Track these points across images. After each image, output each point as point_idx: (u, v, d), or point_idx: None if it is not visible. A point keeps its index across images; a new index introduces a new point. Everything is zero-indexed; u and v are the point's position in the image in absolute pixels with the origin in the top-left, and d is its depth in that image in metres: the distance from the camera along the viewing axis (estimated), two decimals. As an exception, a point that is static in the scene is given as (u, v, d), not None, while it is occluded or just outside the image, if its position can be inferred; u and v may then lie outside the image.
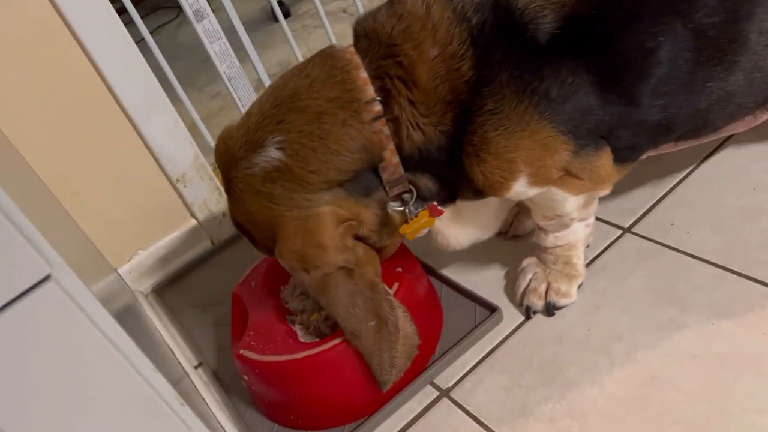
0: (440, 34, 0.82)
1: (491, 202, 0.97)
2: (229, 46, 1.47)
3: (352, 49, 0.86)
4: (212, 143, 1.49)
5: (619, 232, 1.10)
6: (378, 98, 0.83)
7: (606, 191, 0.94)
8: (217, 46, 1.46)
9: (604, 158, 0.89)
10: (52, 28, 1.15)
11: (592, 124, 0.85)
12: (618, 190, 1.17)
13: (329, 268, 0.86)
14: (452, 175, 0.90)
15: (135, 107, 1.27)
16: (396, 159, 0.86)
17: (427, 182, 0.91)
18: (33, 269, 0.49)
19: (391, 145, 0.85)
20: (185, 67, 2.54)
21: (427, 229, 0.97)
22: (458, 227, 1.00)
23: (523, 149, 0.84)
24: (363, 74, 0.83)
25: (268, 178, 0.84)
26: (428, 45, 0.82)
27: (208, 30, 1.44)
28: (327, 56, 0.87)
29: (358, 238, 0.90)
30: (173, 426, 0.61)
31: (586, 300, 1.01)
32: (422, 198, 0.92)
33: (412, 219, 0.93)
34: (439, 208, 0.95)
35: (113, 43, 1.22)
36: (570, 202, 0.93)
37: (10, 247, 0.47)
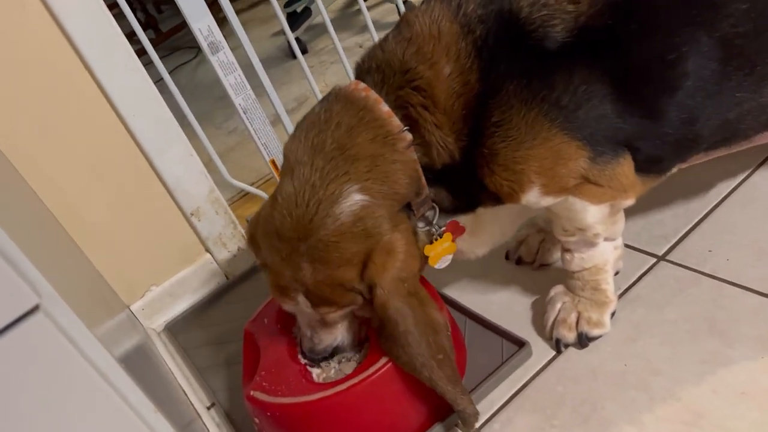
0: (452, 50, 0.81)
1: (511, 207, 0.93)
2: (244, 78, 1.46)
3: (363, 85, 0.86)
4: (228, 177, 1.47)
5: (653, 260, 1.04)
6: (405, 128, 0.83)
7: (629, 201, 0.89)
8: (232, 78, 1.44)
9: (625, 166, 0.84)
10: (70, 65, 1.14)
11: (609, 131, 0.81)
12: (650, 217, 1.11)
13: (413, 284, 0.85)
14: (472, 186, 0.88)
15: (149, 140, 1.25)
16: (423, 180, 0.86)
17: (448, 196, 0.90)
18: (19, 299, 0.45)
19: (419, 168, 0.85)
20: (203, 104, 2.55)
21: (449, 258, 0.93)
22: (479, 234, 0.97)
23: (533, 159, 0.81)
24: (385, 107, 0.84)
25: (357, 218, 0.82)
26: (443, 63, 0.81)
27: (223, 62, 1.42)
28: (344, 100, 0.86)
29: None
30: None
31: (620, 332, 0.95)
32: (445, 211, 0.91)
33: (436, 239, 0.90)
34: (461, 225, 0.93)
35: (127, 78, 1.20)
36: (590, 213, 0.87)
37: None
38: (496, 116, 0.80)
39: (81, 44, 1.15)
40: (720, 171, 1.06)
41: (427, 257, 0.91)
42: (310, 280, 0.85)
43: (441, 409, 0.93)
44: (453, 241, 0.92)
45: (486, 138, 0.81)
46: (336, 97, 0.87)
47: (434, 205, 0.89)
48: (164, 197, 1.31)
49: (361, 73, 0.88)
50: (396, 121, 0.83)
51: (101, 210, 1.25)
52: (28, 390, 0.46)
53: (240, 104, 1.47)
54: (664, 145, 0.85)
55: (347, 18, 2.77)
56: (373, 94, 0.84)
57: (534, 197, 0.84)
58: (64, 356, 0.47)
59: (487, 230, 0.97)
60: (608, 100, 0.79)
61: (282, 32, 2.82)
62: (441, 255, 0.92)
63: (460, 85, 0.81)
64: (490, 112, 0.80)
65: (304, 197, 0.83)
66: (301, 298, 0.87)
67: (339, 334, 0.96)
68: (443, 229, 0.91)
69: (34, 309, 0.46)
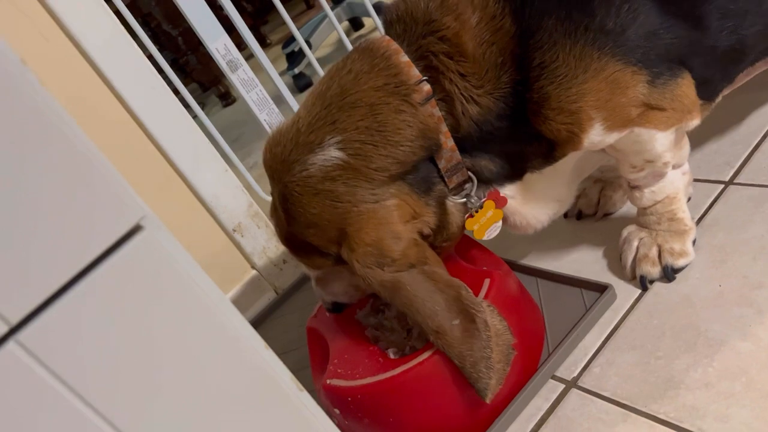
0: None
1: (562, 170, 0.90)
2: (266, 94, 1.46)
3: (387, 37, 0.83)
4: (263, 194, 1.45)
5: (721, 186, 1.00)
6: (425, 78, 0.79)
7: (696, 121, 0.85)
8: (254, 94, 1.44)
9: (685, 84, 0.81)
10: (107, 101, 1.16)
11: (662, 48, 0.78)
12: (706, 149, 1.08)
13: (403, 264, 0.78)
14: (517, 147, 0.84)
15: (183, 159, 1.24)
16: (451, 143, 0.81)
17: (488, 163, 0.85)
18: (127, 216, 0.42)
19: (445, 128, 0.80)
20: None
21: (499, 225, 0.89)
22: (534, 203, 0.92)
23: (588, 94, 0.77)
24: (404, 57, 0.79)
25: (327, 177, 0.79)
26: (468, 13, 0.78)
27: (243, 80, 1.42)
28: (364, 49, 0.83)
29: (422, 237, 0.83)
30: (292, 411, 0.51)
31: (705, 257, 0.90)
32: (485, 182, 0.86)
33: (476, 212, 0.85)
34: (502, 195, 0.88)
35: (156, 100, 1.20)
36: (659, 141, 0.84)
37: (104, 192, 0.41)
38: (537, 58, 0.76)
39: (115, 80, 1.15)
40: (765, 96, 1.03)
41: (456, 232, 0.87)
42: (284, 228, 0.84)
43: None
44: (497, 208, 0.87)
45: (532, 81, 0.77)
46: (358, 48, 0.84)
47: (471, 175, 0.84)
48: (205, 216, 1.29)
49: (386, 26, 0.85)
50: (414, 72, 0.78)
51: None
52: (141, 314, 0.43)
53: (265, 119, 1.46)
54: (713, 60, 0.82)
55: (344, 50, 2.80)
56: (394, 44, 0.80)
57: (597, 135, 0.80)
58: (172, 274, 0.44)
59: (540, 199, 0.92)
60: (654, 13, 0.76)
61: (286, 71, 2.85)
62: (486, 226, 0.87)
63: (491, 33, 0.77)
64: (531, 54, 0.77)
65: (288, 136, 0.81)
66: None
67: (336, 290, 0.93)
68: (483, 200, 0.86)
69: (138, 227, 0.43)
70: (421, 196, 0.82)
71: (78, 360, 0.41)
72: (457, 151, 0.81)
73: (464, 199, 0.85)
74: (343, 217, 0.79)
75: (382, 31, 0.87)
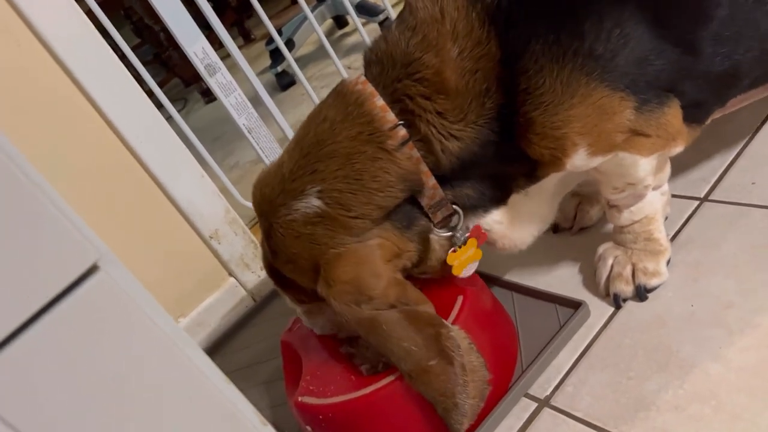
0: (461, 25, 0.77)
1: (546, 188, 0.90)
2: (245, 98, 1.44)
3: (363, 78, 0.82)
4: (242, 200, 1.44)
5: (696, 202, 1.01)
6: (400, 122, 0.78)
7: (679, 148, 0.85)
8: (233, 98, 1.42)
9: (671, 113, 0.80)
10: (79, 105, 1.14)
11: (651, 75, 0.77)
12: (682, 164, 1.08)
13: (383, 303, 0.78)
14: (501, 168, 0.83)
15: (158, 164, 1.22)
16: (432, 181, 0.80)
17: (471, 192, 0.84)
18: (81, 257, 0.41)
19: (425, 168, 0.80)
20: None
21: (475, 265, 0.89)
22: (519, 225, 0.92)
23: (574, 120, 0.76)
24: (379, 102, 0.79)
25: (309, 222, 0.80)
26: (449, 46, 0.77)
27: (221, 83, 1.40)
28: (338, 94, 0.83)
29: (403, 272, 0.85)
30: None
31: (679, 275, 0.90)
32: (471, 208, 0.86)
33: (460, 246, 0.86)
34: (485, 229, 0.88)
35: (128, 102, 1.18)
36: (641, 166, 0.84)
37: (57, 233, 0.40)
38: (523, 83, 0.75)
39: (84, 79, 1.13)
40: (742, 112, 1.02)
41: (438, 266, 0.88)
42: (268, 260, 0.87)
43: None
44: (478, 247, 0.87)
45: (518, 107, 0.77)
46: (333, 92, 0.84)
47: (455, 208, 0.83)
48: (180, 223, 1.27)
49: (365, 66, 0.85)
50: (389, 116, 0.78)
51: (117, 246, 1.21)
52: (101, 352, 0.42)
53: (244, 124, 1.45)
54: (706, 84, 0.81)
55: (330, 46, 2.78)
56: (369, 88, 0.79)
57: (581, 160, 0.79)
58: (129, 314, 0.43)
59: (526, 220, 0.92)
60: (645, 39, 0.75)
61: (267, 69, 2.83)
62: (465, 264, 0.87)
63: (473, 61, 0.76)
64: (517, 79, 0.76)
65: (276, 180, 0.83)
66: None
67: (321, 324, 0.95)
68: (467, 235, 0.86)
69: (94, 268, 0.42)
70: (404, 232, 0.82)
71: (28, 405, 0.40)
72: (440, 189, 0.81)
73: (450, 233, 0.85)
74: (322, 256, 0.80)
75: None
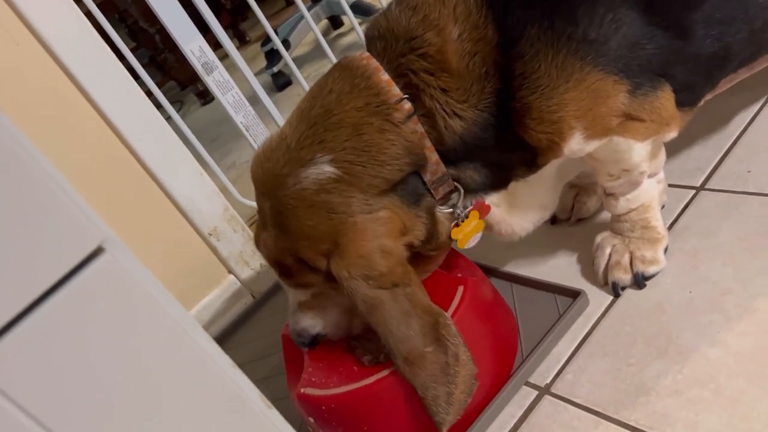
0: (459, 9, 0.78)
1: (545, 177, 0.90)
2: (242, 96, 1.44)
3: (367, 53, 0.82)
4: (240, 197, 1.44)
5: (692, 192, 1.01)
6: (405, 96, 0.79)
7: (673, 133, 0.86)
8: (230, 96, 1.43)
9: (664, 97, 0.81)
10: (78, 104, 1.14)
11: (643, 59, 0.78)
12: (678, 153, 1.09)
13: (387, 280, 0.78)
14: (502, 156, 0.84)
15: (157, 163, 1.22)
16: (435, 156, 0.81)
17: (473, 173, 0.85)
18: (86, 239, 0.41)
19: (428, 143, 0.80)
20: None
21: (479, 236, 0.90)
22: (518, 212, 0.93)
23: (569, 104, 0.77)
24: (384, 76, 0.79)
25: (323, 189, 0.78)
26: (451, 26, 0.78)
27: (219, 82, 1.41)
28: (344, 68, 0.83)
29: (410, 248, 0.84)
30: (261, 429, 0.51)
31: (677, 263, 0.91)
32: (471, 191, 0.86)
33: (462, 221, 0.86)
34: (486, 203, 0.88)
35: (127, 101, 1.19)
36: (636, 151, 0.84)
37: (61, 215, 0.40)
38: (520, 67, 0.76)
39: (83, 79, 1.13)
40: (737, 101, 1.04)
41: (445, 241, 0.87)
42: (273, 247, 0.83)
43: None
44: (480, 219, 0.88)
45: (515, 91, 0.78)
46: (338, 66, 0.84)
47: (457, 185, 0.84)
48: (180, 221, 1.28)
49: (367, 42, 0.85)
50: (395, 90, 0.79)
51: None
52: (104, 336, 0.42)
53: (241, 122, 1.45)
54: (697, 67, 0.82)
55: (323, 50, 2.79)
56: (374, 62, 0.80)
57: (577, 144, 0.80)
58: (135, 296, 0.43)
59: (525, 207, 0.92)
60: (637, 24, 0.76)
61: (263, 70, 2.83)
62: (469, 236, 0.88)
63: (472, 44, 0.77)
64: (513, 63, 0.77)
65: (279, 152, 0.81)
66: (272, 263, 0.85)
67: (319, 321, 0.91)
68: (468, 209, 0.87)
69: (99, 250, 0.42)
70: (411, 208, 0.82)
71: (38, 388, 0.40)
72: (442, 164, 0.81)
73: (451, 209, 0.85)
74: (338, 228, 0.79)
75: (360, 34, 0.86)
